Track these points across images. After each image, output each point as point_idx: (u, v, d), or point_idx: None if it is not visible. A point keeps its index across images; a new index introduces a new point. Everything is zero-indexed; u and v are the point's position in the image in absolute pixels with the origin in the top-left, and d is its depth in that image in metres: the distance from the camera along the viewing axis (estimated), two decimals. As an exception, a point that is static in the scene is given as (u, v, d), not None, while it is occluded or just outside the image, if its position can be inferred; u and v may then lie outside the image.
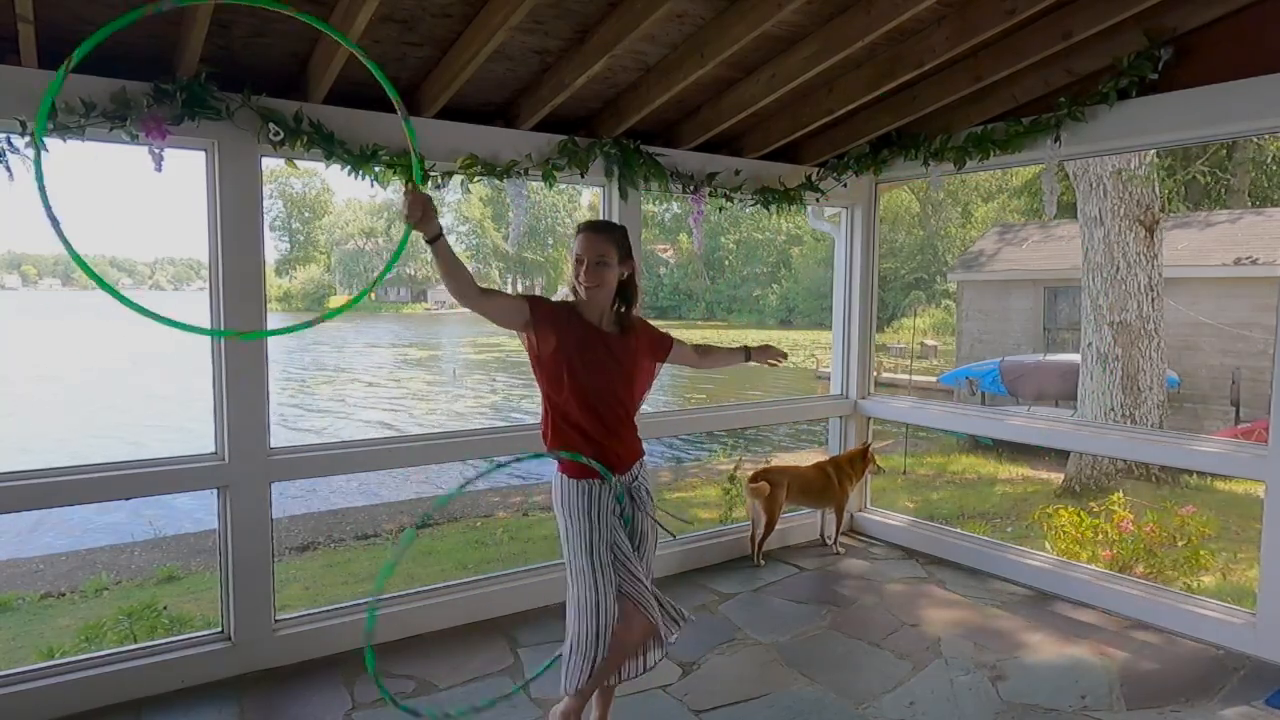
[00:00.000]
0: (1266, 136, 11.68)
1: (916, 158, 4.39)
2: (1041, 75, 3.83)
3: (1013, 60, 3.66)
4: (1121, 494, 5.61)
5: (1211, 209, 14.68)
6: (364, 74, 3.26)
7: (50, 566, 7.13)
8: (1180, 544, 5.12)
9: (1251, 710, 3.06)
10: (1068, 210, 11.23)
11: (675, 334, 2.88)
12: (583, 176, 3.90)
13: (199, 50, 2.78)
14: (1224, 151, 13.96)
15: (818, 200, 4.77)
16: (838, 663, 3.46)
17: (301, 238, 63.48)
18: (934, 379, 16.99)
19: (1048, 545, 5.15)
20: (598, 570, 2.45)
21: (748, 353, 3.05)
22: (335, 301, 60.19)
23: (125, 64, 2.87)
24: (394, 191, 3.53)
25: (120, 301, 2.00)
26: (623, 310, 2.62)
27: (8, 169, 2.72)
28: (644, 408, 2.86)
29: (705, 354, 2.97)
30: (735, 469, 6.81)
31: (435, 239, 2.15)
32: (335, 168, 3.30)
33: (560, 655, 2.56)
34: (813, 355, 25.86)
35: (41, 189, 1.92)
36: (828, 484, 4.81)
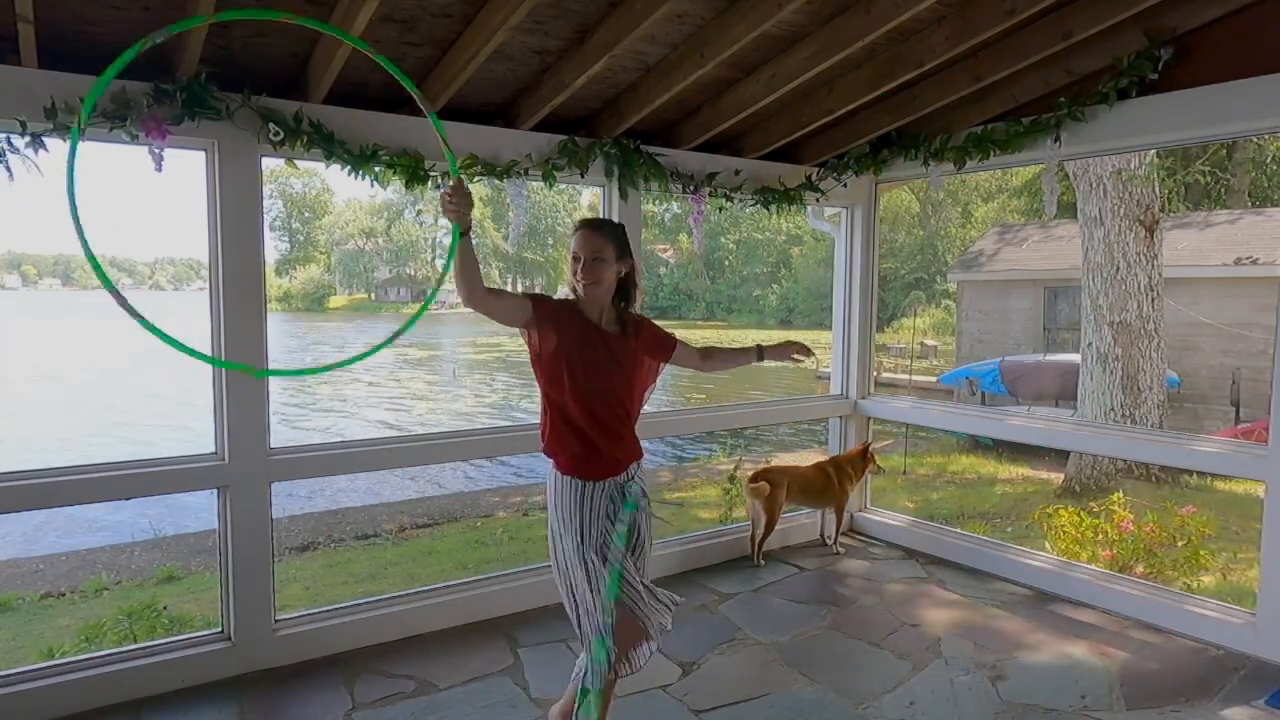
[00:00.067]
0: (1266, 136, 11.68)
1: (916, 158, 4.39)
2: (1041, 75, 3.83)
3: (1013, 60, 3.66)
4: (1121, 494, 5.61)
5: (1211, 209, 14.67)
6: (364, 74, 3.27)
7: (50, 566, 7.13)
8: (1180, 544, 5.12)
9: (1251, 710, 3.06)
10: (1068, 210, 11.23)
11: (678, 335, 2.85)
12: (583, 176, 3.90)
13: (199, 50, 2.79)
14: (1224, 151, 13.95)
15: (818, 200, 4.77)
16: (838, 663, 3.46)
17: (301, 238, 63.48)
18: (934, 379, 16.98)
19: (1048, 545, 5.15)
20: (590, 570, 2.45)
21: (761, 351, 2.87)
22: (335, 302, 60.25)
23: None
24: (394, 191, 3.54)
25: (147, 328, 2.05)
26: (623, 307, 2.62)
27: (8, 169, 2.72)
28: (644, 407, 2.84)
29: (709, 356, 2.88)
30: (735, 469, 6.81)
31: (466, 231, 2.20)
32: (335, 168, 3.30)
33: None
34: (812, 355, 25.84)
35: (72, 197, 1.95)
36: (828, 484, 4.81)
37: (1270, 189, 16.17)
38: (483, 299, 2.33)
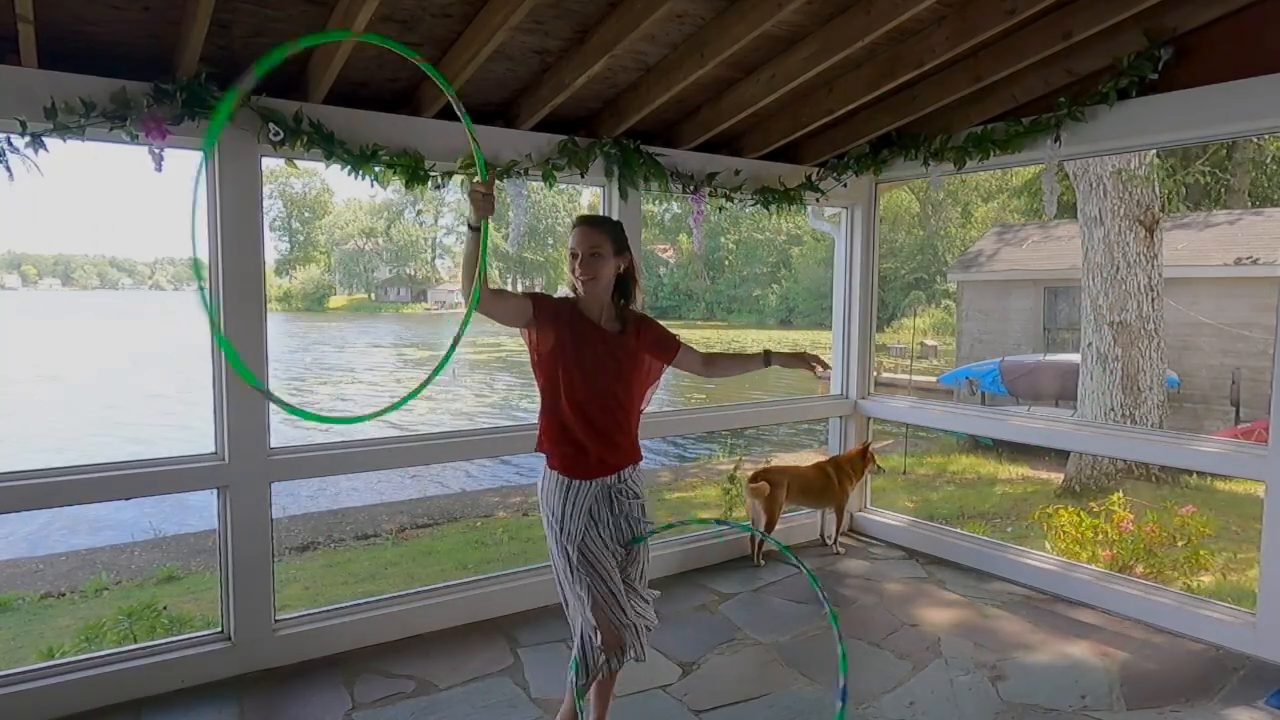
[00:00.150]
0: (1266, 136, 11.67)
1: (916, 158, 4.39)
2: (1041, 75, 3.83)
3: (1013, 60, 3.66)
4: (1121, 494, 5.61)
5: (1211, 209, 14.67)
6: (364, 74, 3.27)
7: (50, 566, 7.13)
8: (1180, 544, 5.12)
9: (1251, 710, 3.06)
10: (1068, 210, 11.22)
11: (680, 336, 2.81)
12: (583, 176, 3.90)
13: (199, 50, 2.79)
14: (1224, 151, 13.94)
15: (818, 200, 4.77)
16: (838, 663, 3.46)
17: (301, 238, 63.51)
18: (934, 379, 16.98)
19: (1048, 545, 5.15)
20: (572, 567, 2.49)
21: (768, 357, 2.75)
22: (335, 302, 60.25)
23: (125, 64, 2.87)
24: (394, 191, 3.54)
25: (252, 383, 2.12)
26: (623, 305, 2.62)
27: (8, 169, 2.72)
28: (647, 407, 2.82)
29: (713, 363, 2.79)
30: (735, 469, 6.81)
31: (478, 228, 2.25)
32: (335, 168, 3.30)
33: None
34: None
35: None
36: (828, 484, 4.81)
37: (1270, 189, 16.16)
38: (487, 300, 2.33)
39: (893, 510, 5.41)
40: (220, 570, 3.34)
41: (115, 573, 6.73)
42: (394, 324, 48.41)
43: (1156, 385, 8.32)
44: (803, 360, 2.76)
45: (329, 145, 3.21)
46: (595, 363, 2.49)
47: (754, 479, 4.70)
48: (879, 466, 5.11)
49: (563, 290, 2.67)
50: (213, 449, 3.26)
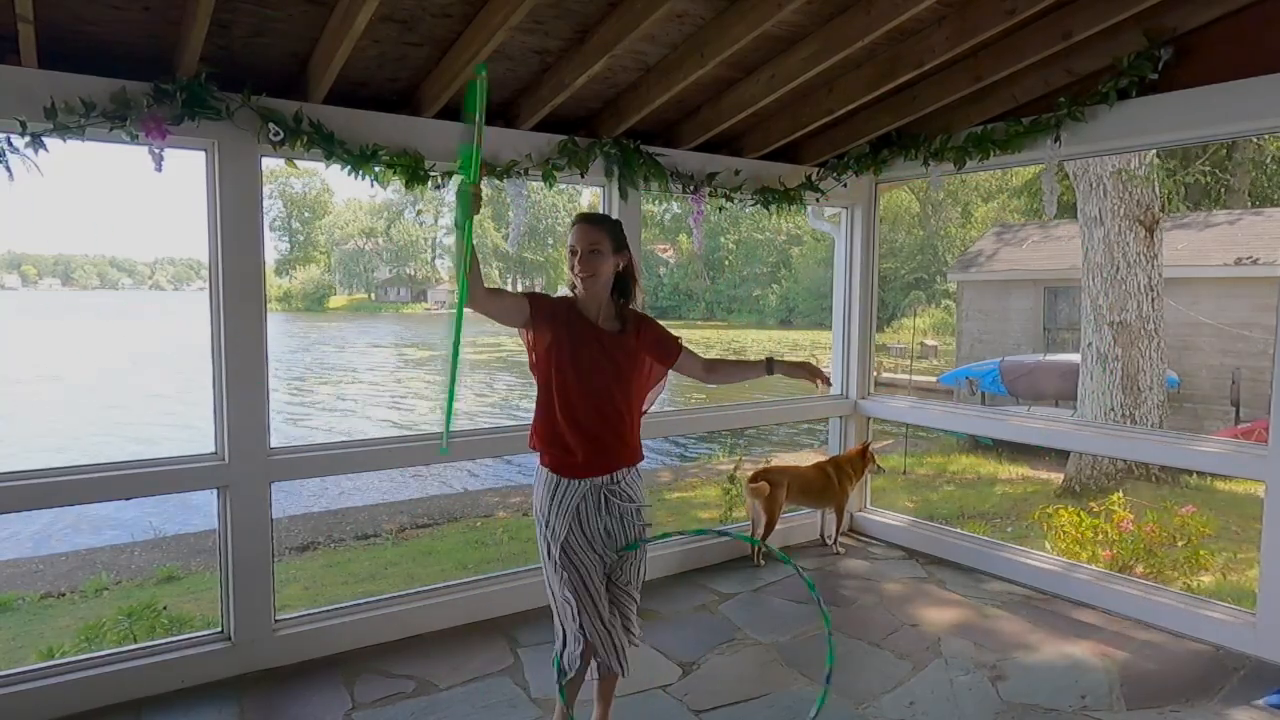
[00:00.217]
0: (1266, 136, 11.67)
1: (916, 158, 4.39)
2: (1041, 75, 3.83)
3: (1013, 60, 3.66)
4: (1121, 494, 5.61)
5: (1211, 209, 14.66)
6: (364, 74, 3.28)
7: (50, 566, 7.13)
8: (1180, 544, 5.12)
9: (1251, 710, 3.06)
10: (1068, 210, 11.21)
11: (682, 339, 2.78)
12: (583, 176, 3.90)
13: (199, 50, 2.79)
14: (1224, 151, 13.93)
15: (818, 200, 4.77)
16: (838, 663, 3.45)
17: (301, 238, 63.52)
18: (934, 379, 16.98)
19: (1048, 545, 5.15)
20: (554, 564, 2.52)
21: (771, 365, 2.72)
22: (335, 302, 60.25)
23: (125, 64, 2.87)
24: (394, 191, 3.54)
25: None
26: (622, 304, 2.60)
27: (8, 169, 2.71)
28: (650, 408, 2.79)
29: (714, 369, 2.75)
30: (735, 469, 6.81)
31: (464, 227, 2.24)
32: (335, 168, 3.30)
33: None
34: (813, 355, 25.88)
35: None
36: (828, 484, 4.81)
37: (1270, 189, 16.15)
38: (483, 299, 2.33)
39: (893, 510, 5.41)
40: (220, 570, 3.34)
41: (115, 573, 6.73)
42: (394, 324, 48.40)
43: (1156, 385, 8.32)
44: (805, 371, 2.73)
45: (329, 145, 3.21)
46: (590, 362, 2.48)
47: (754, 479, 4.70)
48: (879, 466, 5.11)
49: (562, 290, 2.66)
50: (213, 449, 3.27)
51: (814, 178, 4.68)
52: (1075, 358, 9.66)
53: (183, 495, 3.55)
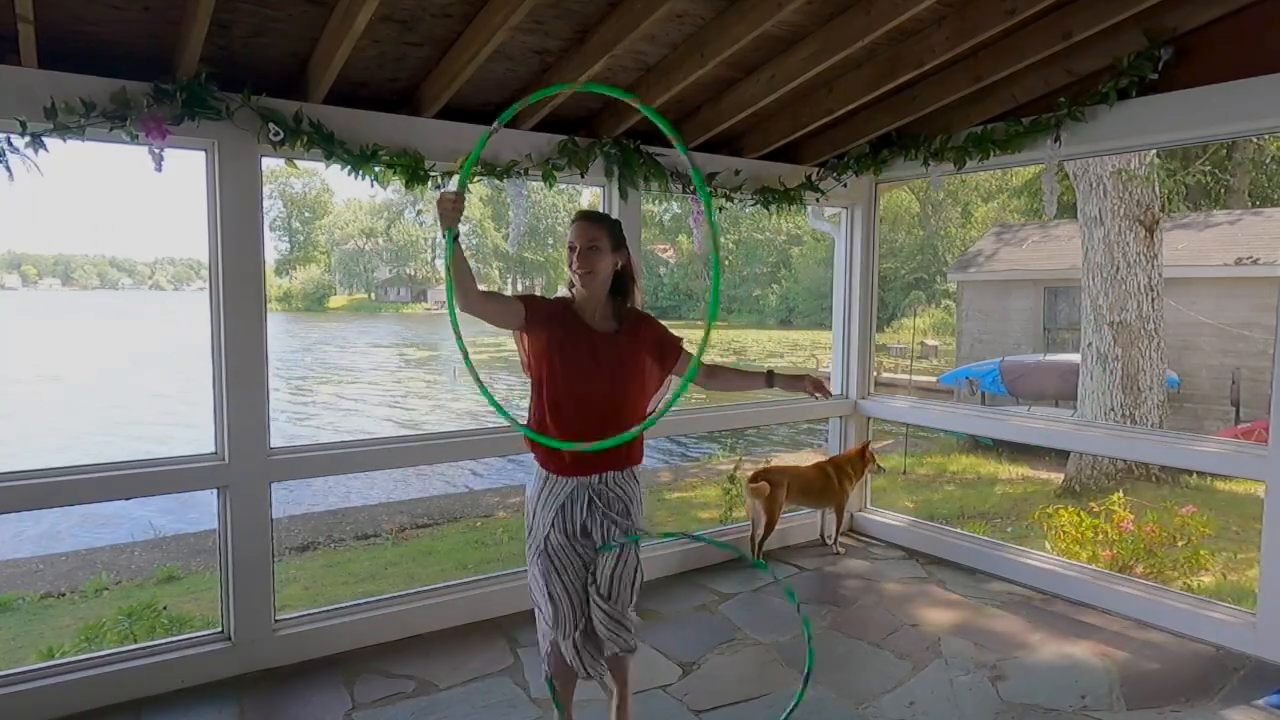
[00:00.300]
0: (1266, 136, 11.67)
1: (916, 158, 4.39)
2: (1041, 75, 3.83)
3: (1013, 60, 3.66)
4: (1121, 494, 5.60)
5: (1211, 209, 14.66)
6: (364, 74, 3.28)
7: (50, 566, 7.13)
8: (1180, 544, 5.12)
9: (1251, 710, 3.06)
10: (1068, 210, 11.21)
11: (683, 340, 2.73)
12: (583, 176, 3.90)
13: (199, 50, 2.79)
14: (1224, 151, 13.93)
15: (818, 200, 4.77)
16: (838, 663, 3.46)
17: (301, 238, 63.52)
18: (934, 379, 16.98)
19: (1048, 545, 5.15)
20: (534, 556, 2.54)
21: (771, 378, 2.66)
22: (335, 302, 60.27)
23: (125, 64, 2.87)
24: (394, 191, 3.54)
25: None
26: (619, 302, 2.57)
27: (8, 169, 2.72)
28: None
29: (714, 375, 2.70)
30: (735, 469, 6.81)
31: (456, 236, 2.22)
32: (335, 168, 3.30)
33: None
34: (813, 355, 25.88)
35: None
36: (828, 484, 4.81)
37: (1270, 189, 16.15)
38: (478, 302, 2.33)
39: (893, 510, 5.41)
40: (220, 570, 3.34)
41: (115, 573, 6.74)
42: (394, 324, 48.41)
43: (1156, 385, 8.32)
44: (805, 384, 2.68)
45: (329, 145, 3.21)
46: (581, 364, 2.46)
47: (754, 479, 4.70)
48: (879, 466, 5.10)
49: (561, 291, 2.66)
50: (213, 449, 3.27)
51: (814, 178, 4.68)
52: (1075, 358, 9.66)
53: (187, 493, 3.56)
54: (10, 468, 3.11)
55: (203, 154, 3.13)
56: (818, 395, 2.69)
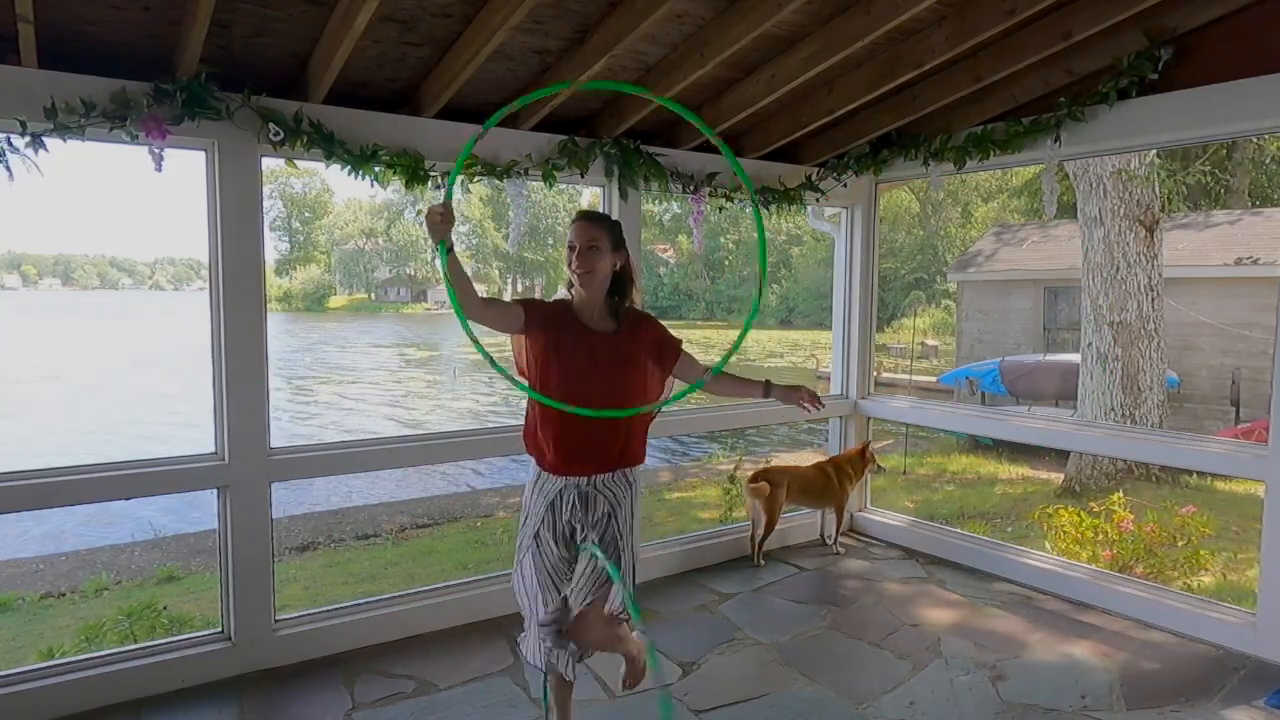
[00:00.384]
0: (1266, 136, 11.67)
1: (916, 158, 4.39)
2: (1041, 75, 3.83)
3: (1013, 60, 3.66)
4: (1121, 494, 5.61)
5: (1211, 209, 14.66)
6: (364, 74, 3.27)
7: (50, 566, 7.13)
8: (1180, 544, 5.12)
9: (1251, 710, 3.06)
10: (1068, 210, 11.22)
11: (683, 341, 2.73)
12: (583, 176, 3.90)
13: (199, 50, 2.79)
14: (1224, 151, 13.93)
15: (818, 200, 4.77)
16: (838, 663, 3.46)
17: (301, 238, 63.51)
18: (934, 379, 16.98)
19: (1048, 545, 5.15)
20: (522, 549, 2.60)
21: (768, 388, 2.66)
22: (335, 302, 60.28)
23: (125, 64, 2.87)
24: (394, 191, 3.54)
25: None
26: (617, 301, 2.56)
27: (8, 169, 2.71)
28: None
29: (715, 378, 2.65)
30: (735, 469, 6.82)
31: (451, 247, 2.22)
32: (335, 168, 3.30)
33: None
34: (813, 355, 25.87)
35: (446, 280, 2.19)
36: (828, 484, 4.81)
37: (1270, 189, 16.16)
38: (478, 309, 2.34)
39: (893, 510, 5.41)
40: (220, 570, 3.34)
41: (115, 573, 6.74)
42: (394, 324, 48.42)
43: (1156, 385, 8.32)
44: (799, 396, 2.68)
45: (329, 145, 3.21)
46: (577, 363, 2.45)
47: (754, 479, 4.71)
48: (879, 466, 5.10)
49: (560, 292, 2.66)
50: (213, 449, 3.26)
51: (814, 178, 4.68)
52: (1075, 358, 9.66)
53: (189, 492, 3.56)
54: (10, 467, 3.11)
55: (203, 154, 3.13)
56: (809, 407, 2.71)
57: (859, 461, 4.93)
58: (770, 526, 4.63)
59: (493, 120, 2.22)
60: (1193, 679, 3.32)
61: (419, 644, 3.59)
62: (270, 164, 3.37)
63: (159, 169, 2.97)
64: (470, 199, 51.97)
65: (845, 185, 4.76)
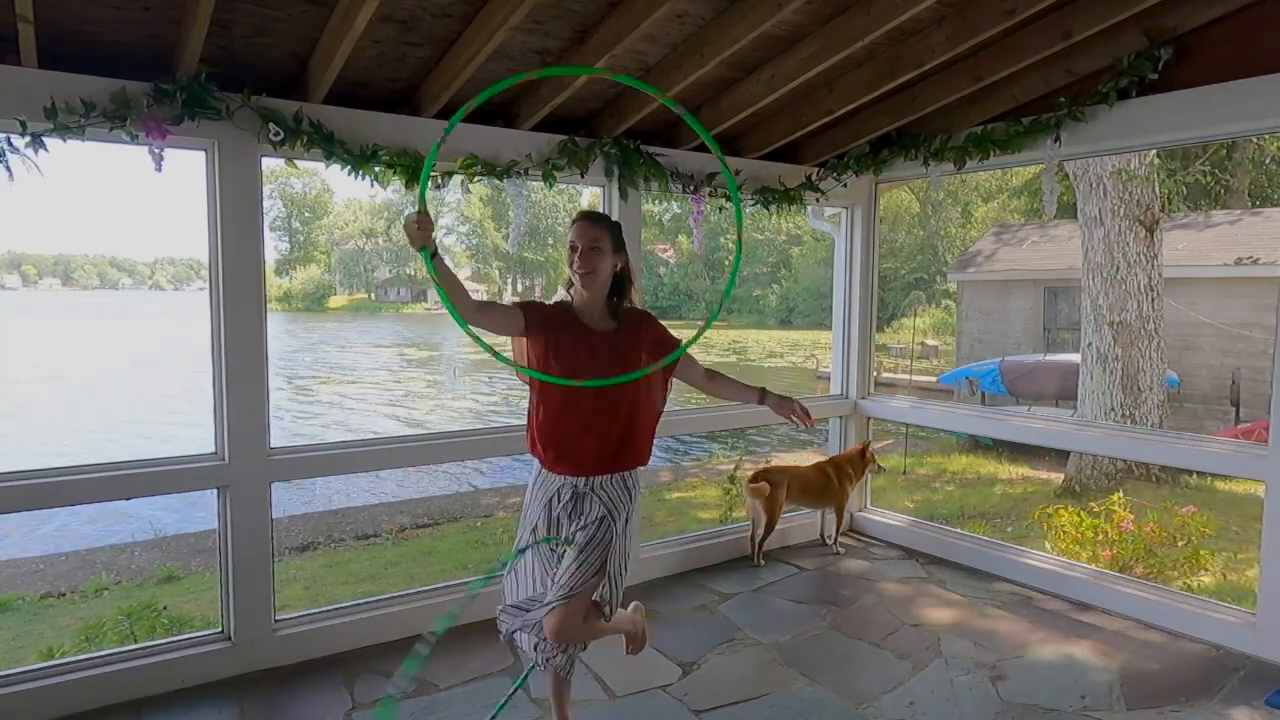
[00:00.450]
0: (1266, 136, 11.66)
1: (916, 158, 4.39)
2: (1041, 75, 3.83)
3: (1013, 60, 3.66)
4: (1121, 494, 5.61)
5: (1211, 209, 14.66)
6: (364, 74, 3.27)
7: (50, 566, 7.13)
8: (1180, 544, 5.12)
9: (1251, 710, 3.06)
10: (1068, 210, 11.22)
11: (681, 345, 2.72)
12: (583, 176, 3.90)
13: (199, 50, 2.79)
14: (1224, 151, 13.93)
15: (818, 200, 4.77)
16: (838, 663, 3.46)
17: (301, 238, 63.55)
18: (934, 379, 16.98)
19: (1048, 545, 5.15)
20: (521, 541, 2.62)
21: (764, 396, 2.70)
22: (335, 302, 60.29)
23: (125, 64, 2.87)
24: (394, 191, 3.54)
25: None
26: (616, 302, 2.57)
27: (8, 169, 2.71)
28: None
29: (714, 379, 2.73)
30: (735, 469, 6.82)
31: (435, 253, 2.20)
32: (335, 168, 3.30)
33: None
34: (813, 355, 25.87)
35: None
36: (828, 484, 4.81)
37: (1270, 189, 16.16)
38: (473, 311, 2.33)
39: (893, 510, 5.41)
40: (220, 570, 3.34)
41: (115, 573, 6.73)
42: (395, 324, 48.42)
43: (1156, 385, 8.32)
44: (791, 407, 2.70)
45: (329, 145, 3.21)
46: (577, 363, 2.45)
47: (754, 479, 4.71)
48: (879, 466, 5.11)
49: (560, 294, 2.66)
50: (213, 449, 3.26)
51: (814, 178, 4.68)
52: (1075, 358, 9.66)
53: (189, 492, 3.56)
54: (11, 467, 3.11)
55: (203, 154, 3.13)
56: (797, 421, 2.72)
57: (859, 461, 4.93)
58: (770, 526, 4.63)
59: (455, 120, 2.16)
60: (1193, 679, 3.32)
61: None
62: (270, 164, 3.37)
63: (159, 169, 2.97)
64: (470, 199, 51.99)
65: (845, 185, 4.76)
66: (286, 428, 15.12)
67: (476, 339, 2.33)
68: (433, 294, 59.33)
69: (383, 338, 39.25)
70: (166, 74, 2.90)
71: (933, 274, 33.37)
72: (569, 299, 2.57)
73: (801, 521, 5.08)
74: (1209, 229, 13.42)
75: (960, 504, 8.22)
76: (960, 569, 4.56)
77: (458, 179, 3.62)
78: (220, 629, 3.36)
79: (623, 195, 4.02)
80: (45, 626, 5.43)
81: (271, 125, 3.09)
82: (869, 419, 5.25)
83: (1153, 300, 8.25)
